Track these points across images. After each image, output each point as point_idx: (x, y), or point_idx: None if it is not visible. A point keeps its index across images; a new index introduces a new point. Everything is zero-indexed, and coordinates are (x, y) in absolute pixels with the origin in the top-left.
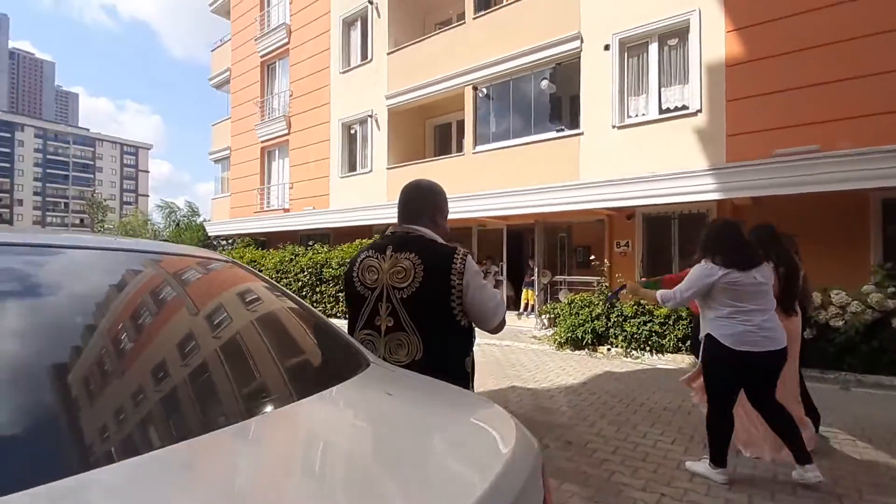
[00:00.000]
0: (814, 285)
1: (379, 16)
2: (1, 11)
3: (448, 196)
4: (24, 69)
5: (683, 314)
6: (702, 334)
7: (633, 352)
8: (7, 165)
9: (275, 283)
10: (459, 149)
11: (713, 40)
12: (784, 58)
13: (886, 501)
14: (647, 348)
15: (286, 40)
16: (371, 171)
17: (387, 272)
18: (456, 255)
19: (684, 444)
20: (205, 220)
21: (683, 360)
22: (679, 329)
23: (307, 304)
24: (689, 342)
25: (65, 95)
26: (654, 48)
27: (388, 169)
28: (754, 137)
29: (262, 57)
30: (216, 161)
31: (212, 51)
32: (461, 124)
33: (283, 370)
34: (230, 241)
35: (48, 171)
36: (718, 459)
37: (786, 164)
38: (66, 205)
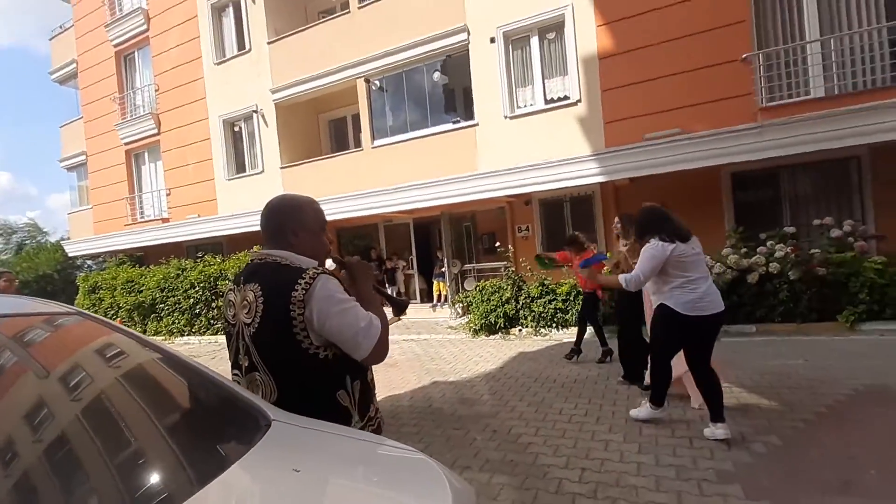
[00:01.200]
0: None
1: (254, 2)
2: None
3: (351, 193)
4: None
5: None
6: (654, 305)
7: (542, 330)
8: None
9: (133, 331)
10: (357, 144)
11: (586, 34)
12: (648, 49)
13: (766, 440)
14: (554, 325)
15: (144, 27)
16: (263, 171)
17: (238, 307)
18: (300, 281)
19: (595, 414)
20: (62, 239)
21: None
22: (580, 303)
23: (178, 353)
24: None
25: None
26: (535, 41)
27: (281, 168)
28: (628, 124)
29: (115, 46)
30: (69, 169)
31: (50, 39)
32: (357, 118)
33: (160, 453)
34: (98, 261)
35: None
36: (658, 400)
37: (654, 147)
38: None
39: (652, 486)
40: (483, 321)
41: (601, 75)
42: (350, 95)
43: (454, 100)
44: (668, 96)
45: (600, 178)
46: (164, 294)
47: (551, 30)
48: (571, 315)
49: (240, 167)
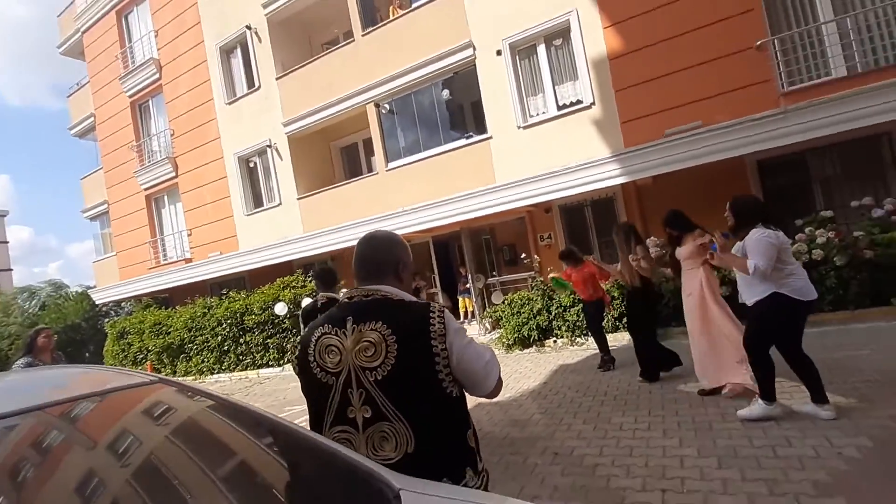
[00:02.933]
0: None
1: (260, 41)
2: None
3: (368, 217)
4: None
5: (616, 294)
6: (760, 296)
7: (578, 339)
8: None
9: (215, 393)
10: (369, 168)
11: (594, 37)
12: (660, 45)
13: (857, 443)
14: (589, 333)
15: (157, 76)
16: (280, 203)
17: (351, 350)
18: (432, 315)
19: (659, 427)
20: (87, 288)
21: (623, 338)
22: (615, 308)
23: (282, 420)
24: (625, 320)
25: None
26: (542, 49)
27: (298, 199)
28: (646, 122)
29: (130, 97)
30: (92, 218)
31: (68, 97)
32: (368, 143)
33: None
34: (125, 306)
35: None
36: (769, 395)
37: (676, 143)
38: None
39: None
40: (516, 335)
41: (613, 76)
42: (360, 121)
43: (465, 115)
44: (686, 90)
45: (622, 179)
46: (191, 334)
47: (557, 36)
48: (607, 322)
49: (257, 202)
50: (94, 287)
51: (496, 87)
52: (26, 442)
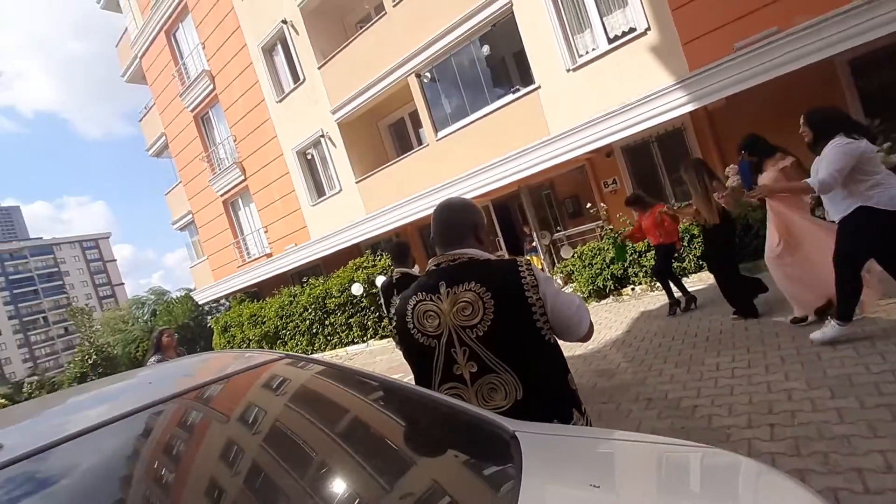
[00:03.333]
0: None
1: (297, 33)
2: None
3: (425, 190)
4: None
5: (696, 232)
6: (845, 212)
7: (657, 284)
8: None
9: (340, 364)
10: (419, 141)
11: None
12: None
13: None
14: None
15: (211, 86)
16: (340, 190)
17: (449, 313)
18: (521, 268)
19: (760, 363)
20: (189, 290)
21: (709, 278)
22: (696, 247)
23: (397, 380)
24: (706, 260)
25: (6, 212)
26: None
27: (356, 183)
28: (710, 38)
29: (192, 111)
30: (181, 229)
31: (139, 121)
32: (414, 116)
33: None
34: (224, 302)
35: (14, 291)
36: (846, 316)
37: (748, 56)
38: (46, 318)
39: (866, 432)
40: (591, 287)
41: None
42: (403, 95)
43: (508, 69)
44: None
45: (690, 107)
46: (283, 321)
47: None
48: (689, 262)
49: (319, 191)
50: (194, 289)
51: (538, 31)
52: (173, 425)
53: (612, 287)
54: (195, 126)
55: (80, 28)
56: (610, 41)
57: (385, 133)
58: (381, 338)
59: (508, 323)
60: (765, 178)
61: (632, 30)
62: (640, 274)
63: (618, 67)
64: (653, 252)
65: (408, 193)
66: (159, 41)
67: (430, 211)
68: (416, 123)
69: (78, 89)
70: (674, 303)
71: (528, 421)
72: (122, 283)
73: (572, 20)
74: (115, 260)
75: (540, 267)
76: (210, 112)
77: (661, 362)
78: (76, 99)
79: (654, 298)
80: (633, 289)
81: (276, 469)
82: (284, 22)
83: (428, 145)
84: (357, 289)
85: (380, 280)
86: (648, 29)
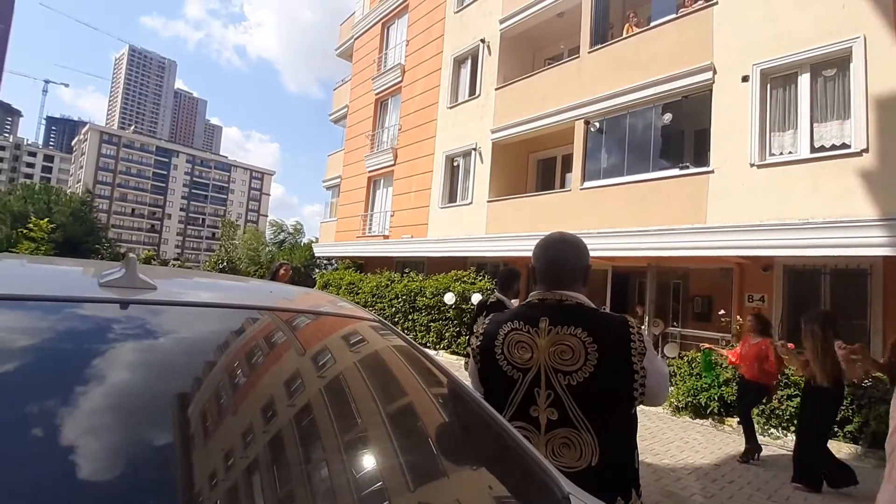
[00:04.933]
0: None
1: (490, 53)
2: (171, 59)
3: (550, 231)
4: (183, 106)
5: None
6: None
7: (773, 430)
8: (163, 185)
9: (414, 343)
10: (562, 184)
11: (882, 69)
12: None
13: None
14: (792, 428)
15: (400, 79)
16: (471, 202)
17: (545, 350)
18: (632, 330)
19: None
20: (312, 241)
21: (842, 448)
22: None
23: (476, 396)
24: (846, 426)
25: (212, 128)
26: (805, 79)
27: (488, 202)
28: None
29: (376, 94)
30: (328, 188)
31: (334, 90)
32: (566, 159)
33: None
34: (332, 263)
35: (193, 191)
36: None
37: None
38: (203, 220)
39: None
40: (689, 399)
41: None
42: (564, 137)
43: (683, 144)
44: None
45: (892, 251)
46: (373, 299)
47: (829, 66)
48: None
49: (451, 198)
50: (316, 241)
51: (733, 117)
52: (261, 333)
53: (716, 410)
54: (374, 107)
55: None
56: (813, 150)
57: (532, 165)
58: (453, 352)
59: (607, 381)
60: None
61: (844, 145)
62: (755, 410)
63: (813, 180)
64: (782, 393)
65: (533, 229)
66: (375, 29)
67: None
68: (567, 167)
69: (294, 49)
70: (754, 449)
71: (593, 488)
72: (267, 215)
73: (777, 116)
74: (270, 195)
75: None
76: (389, 99)
77: None
78: (290, 56)
79: (763, 444)
80: (739, 421)
81: (308, 418)
82: (483, 41)
83: (570, 190)
84: (450, 298)
85: (475, 297)
86: (866, 150)
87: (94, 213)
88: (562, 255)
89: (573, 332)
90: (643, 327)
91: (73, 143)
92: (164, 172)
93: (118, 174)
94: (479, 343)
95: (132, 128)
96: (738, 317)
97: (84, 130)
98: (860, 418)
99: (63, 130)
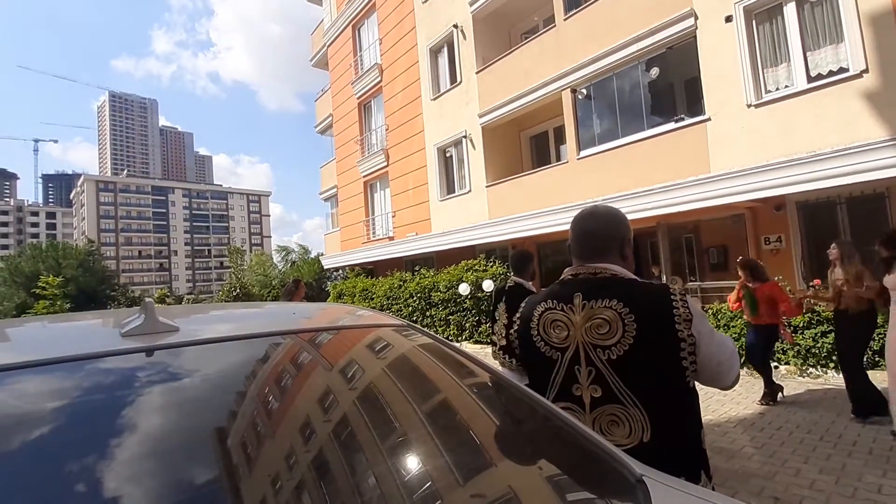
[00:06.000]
0: None
1: (465, 38)
2: (151, 97)
3: (553, 207)
4: (170, 142)
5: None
6: None
7: (812, 369)
8: (164, 223)
9: (468, 353)
10: (558, 157)
11: None
12: None
13: None
14: (830, 365)
15: (379, 79)
16: (470, 190)
17: (581, 327)
18: (674, 297)
19: None
20: (319, 255)
21: (883, 379)
22: (875, 340)
23: (522, 386)
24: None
25: (202, 159)
26: (790, 9)
27: (487, 187)
28: None
29: (358, 98)
30: (325, 199)
31: (315, 101)
32: (558, 131)
33: None
34: (343, 272)
35: (194, 224)
36: None
37: None
38: (209, 251)
39: None
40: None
41: None
42: (552, 109)
43: (675, 96)
44: None
45: None
46: (388, 302)
47: None
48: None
49: (450, 188)
50: (323, 255)
51: (721, 60)
52: (288, 357)
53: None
54: (358, 112)
55: (281, 13)
56: (811, 79)
57: (525, 143)
58: (476, 342)
59: (649, 352)
60: (892, 280)
61: (842, 70)
62: (790, 352)
63: (814, 110)
64: (815, 330)
65: (536, 207)
66: (346, 33)
67: (555, 228)
68: (560, 139)
69: (268, 66)
70: (774, 390)
71: (654, 468)
72: (270, 236)
73: (767, 52)
74: (270, 216)
75: None
76: (372, 101)
77: (801, 461)
78: (265, 74)
79: (802, 384)
80: (776, 366)
81: (348, 432)
82: (455, 26)
83: (567, 162)
84: (464, 289)
85: (487, 284)
86: (866, 71)
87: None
88: (592, 227)
89: (608, 305)
90: None
91: (71, 197)
92: (164, 210)
93: (119, 220)
94: (516, 328)
95: (125, 172)
96: (758, 260)
97: (80, 182)
98: None
99: (60, 185)
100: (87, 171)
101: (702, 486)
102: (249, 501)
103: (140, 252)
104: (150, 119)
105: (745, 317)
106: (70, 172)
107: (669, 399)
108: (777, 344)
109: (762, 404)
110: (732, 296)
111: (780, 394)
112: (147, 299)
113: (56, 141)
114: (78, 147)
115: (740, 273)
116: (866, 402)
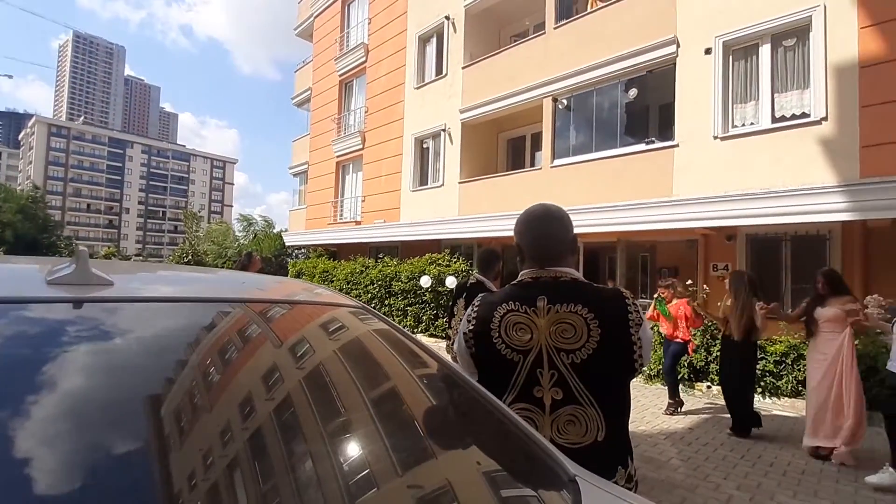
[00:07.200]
0: None
1: (455, 31)
2: (119, 43)
3: (522, 210)
4: (135, 93)
5: (805, 353)
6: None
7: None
8: (118, 178)
9: (416, 339)
10: (532, 162)
11: (841, 38)
12: None
13: None
14: (760, 390)
15: (364, 59)
16: (443, 185)
17: (546, 330)
18: (628, 302)
19: None
20: (282, 231)
21: (803, 408)
22: (799, 370)
23: (473, 383)
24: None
25: (167, 116)
26: (765, 50)
27: (460, 183)
28: None
29: (340, 76)
30: (295, 175)
31: (295, 72)
32: (535, 137)
33: None
34: (304, 251)
35: (150, 183)
36: None
37: None
38: (164, 213)
39: None
40: (660, 367)
41: (861, 88)
42: (533, 115)
43: (648, 119)
44: None
45: (850, 216)
46: (349, 286)
47: (789, 36)
48: (787, 382)
49: (423, 180)
50: (286, 231)
51: (696, 89)
52: (235, 327)
53: (686, 377)
54: (338, 89)
55: None
56: (775, 119)
57: (502, 145)
58: (431, 335)
59: (610, 355)
60: (825, 313)
61: (804, 115)
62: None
63: (774, 149)
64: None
65: (505, 209)
66: (335, 7)
67: None
68: (536, 145)
69: (246, 27)
70: (678, 402)
71: (599, 462)
72: (232, 205)
73: (739, 88)
74: (233, 184)
75: None
76: (354, 81)
77: (721, 477)
78: (242, 35)
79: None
80: (709, 386)
81: (290, 411)
82: (447, 18)
83: (541, 169)
84: (426, 281)
85: (450, 281)
86: (825, 119)
87: (47, 210)
88: (549, 230)
89: (574, 310)
90: None
91: (19, 138)
92: (120, 164)
93: (70, 168)
94: (472, 327)
95: (82, 118)
96: (705, 286)
97: (31, 123)
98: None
99: (9, 124)
100: (40, 113)
101: (627, 471)
102: (175, 475)
103: (89, 206)
104: (115, 66)
105: (662, 331)
106: (22, 112)
107: (620, 398)
108: (682, 358)
109: (668, 414)
110: (650, 314)
111: (680, 406)
112: (81, 248)
113: (11, 76)
114: (31, 85)
115: (667, 290)
116: (746, 421)
